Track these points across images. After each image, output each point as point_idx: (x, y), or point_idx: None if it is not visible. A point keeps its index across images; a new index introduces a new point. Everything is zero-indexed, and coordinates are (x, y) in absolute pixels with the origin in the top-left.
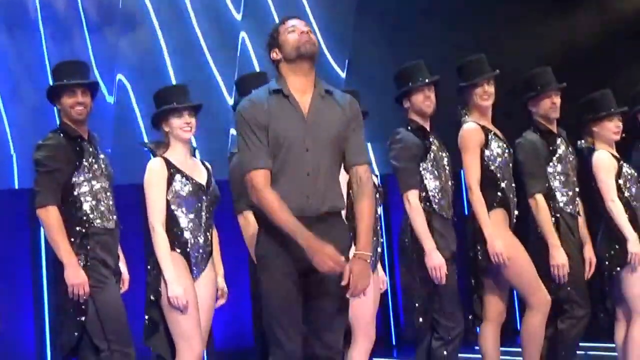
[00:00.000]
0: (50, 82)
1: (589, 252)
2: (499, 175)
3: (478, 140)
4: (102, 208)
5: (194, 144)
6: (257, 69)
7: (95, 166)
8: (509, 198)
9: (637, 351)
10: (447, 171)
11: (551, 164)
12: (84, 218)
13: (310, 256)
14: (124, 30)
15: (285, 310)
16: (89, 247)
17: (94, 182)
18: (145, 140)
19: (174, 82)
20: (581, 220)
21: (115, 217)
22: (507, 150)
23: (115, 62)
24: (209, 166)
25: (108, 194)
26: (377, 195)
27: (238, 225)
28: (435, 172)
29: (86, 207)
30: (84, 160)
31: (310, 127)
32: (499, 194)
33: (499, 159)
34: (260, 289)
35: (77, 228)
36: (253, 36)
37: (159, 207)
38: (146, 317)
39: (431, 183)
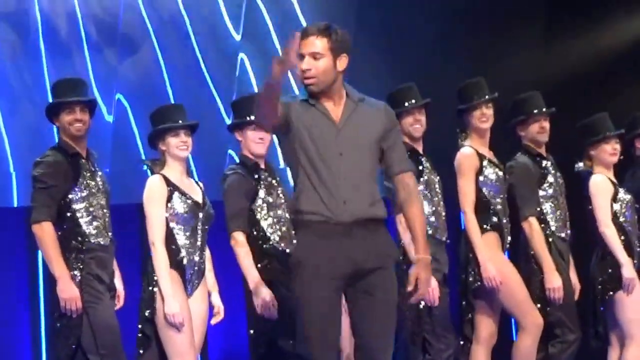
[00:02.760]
0: (50, 100)
1: (574, 277)
2: (492, 200)
3: (473, 165)
4: (98, 224)
5: (192, 164)
6: (256, 91)
7: (92, 183)
8: (502, 222)
9: None
10: (439, 194)
11: (543, 187)
12: (80, 234)
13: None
14: (123, 50)
15: (325, 323)
16: (84, 263)
17: (90, 199)
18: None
19: (172, 102)
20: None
21: (110, 233)
22: (501, 175)
23: (115, 82)
24: (202, 185)
25: (105, 210)
26: None
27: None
28: (428, 194)
29: (82, 223)
30: (81, 177)
31: (342, 131)
32: (493, 218)
33: (493, 184)
34: (293, 299)
35: (73, 244)
36: (252, 57)
37: (159, 224)
38: (139, 333)
39: (424, 206)
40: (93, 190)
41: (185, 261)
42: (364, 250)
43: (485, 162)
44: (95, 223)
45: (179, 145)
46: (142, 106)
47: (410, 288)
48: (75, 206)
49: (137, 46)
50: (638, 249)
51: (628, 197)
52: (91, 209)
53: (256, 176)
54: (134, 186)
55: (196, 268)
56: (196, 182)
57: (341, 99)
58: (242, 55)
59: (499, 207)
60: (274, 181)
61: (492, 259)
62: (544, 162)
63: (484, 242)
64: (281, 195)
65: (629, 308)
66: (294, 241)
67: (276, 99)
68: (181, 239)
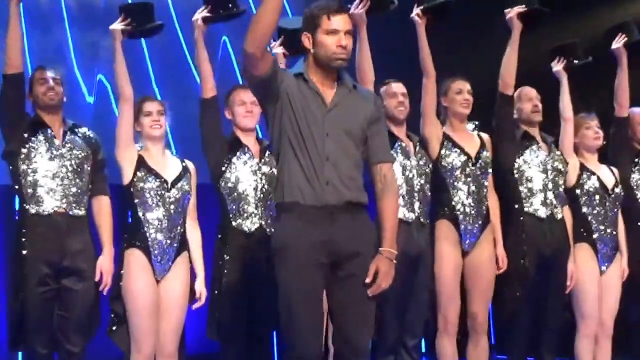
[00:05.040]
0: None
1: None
2: (450, 186)
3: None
4: (56, 192)
5: (173, 148)
6: (238, 73)
7: (52, 150)
8: (458, 209)
9: None
10: (414, 176)
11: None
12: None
13: None
14: (105, 30)
15: (309, 308)
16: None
17: (44, 164)
18: None
19: (154, 84)
20: None
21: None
22: (467, 158)
23: (96, 62)
24: (189, 165)
25: (71, 180)
26: None
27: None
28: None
29: (41, 190)
30: (36, 136)
31: (331, 113)
32: (449, 205)
33: (454, 168)
34: (279, 283)
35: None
36: (235, 39)
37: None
38: (112, 310)
39: None
40: (51, 158)
41: (149, 241)
42: (346, 238)
43: (448, 143)
44: (46, 189)
45: (151, 124)
46: None
47: (368, 280)
48: (33, 174)
49: None
50: (610, 234)
51: (597, 184)
52: (51, 175)
53: (230, 154)
54: (114, 167)
55: (166, 249)
56: (182, 161)
57: (334, 81)
58: (224, 37)
59: (459, 191)
60: (249, 157)
61: (441, 249)
62: (535, 142)
63: (436, 229)
64: (259, 174)
65: (576, 297)
66: (262, 221)
67: (276, 12)
68: (148, 217)
